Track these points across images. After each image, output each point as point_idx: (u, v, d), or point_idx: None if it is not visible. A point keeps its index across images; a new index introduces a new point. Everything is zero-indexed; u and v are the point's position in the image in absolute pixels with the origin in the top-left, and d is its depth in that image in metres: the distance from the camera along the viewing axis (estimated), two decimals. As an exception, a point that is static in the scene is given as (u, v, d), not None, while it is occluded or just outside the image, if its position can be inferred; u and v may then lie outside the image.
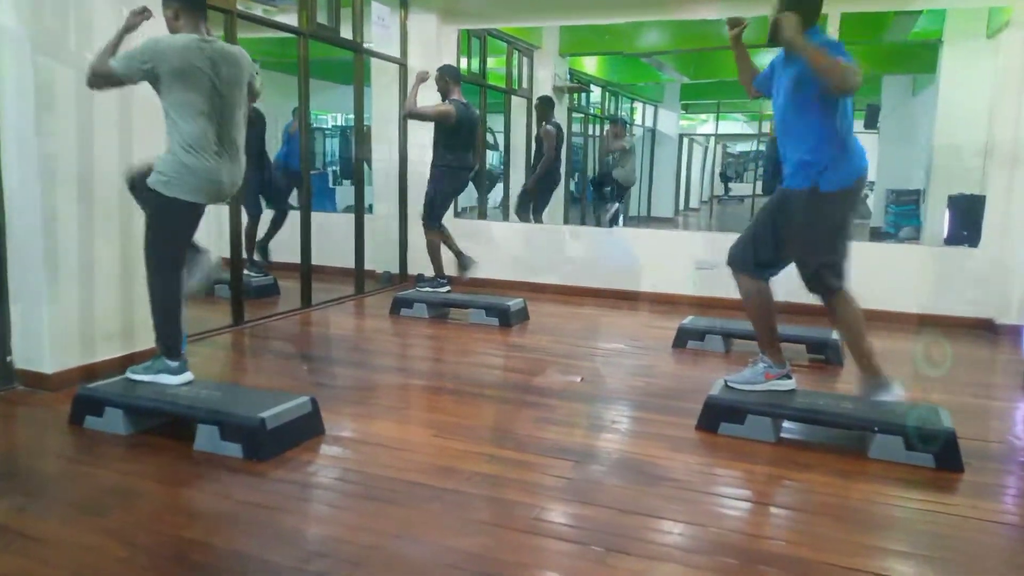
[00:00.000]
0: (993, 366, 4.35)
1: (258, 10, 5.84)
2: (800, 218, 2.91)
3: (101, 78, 2.90)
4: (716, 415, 3.04)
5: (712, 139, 15.82)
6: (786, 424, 3.03)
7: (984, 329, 5.02)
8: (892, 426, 2.78)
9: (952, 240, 5.81)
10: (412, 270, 6.46)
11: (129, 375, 3.08)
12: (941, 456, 2.69)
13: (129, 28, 3.00)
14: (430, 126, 5.29)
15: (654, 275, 5.89)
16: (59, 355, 3.36)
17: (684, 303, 5.60)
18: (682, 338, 4.48)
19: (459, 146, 5.24)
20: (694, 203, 16.86)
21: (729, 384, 3.16)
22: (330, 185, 12.19)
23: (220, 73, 2.96)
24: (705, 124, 16.33)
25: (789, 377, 3.15)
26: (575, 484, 2.54)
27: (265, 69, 7.39)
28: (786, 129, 2.93)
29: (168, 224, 2.99)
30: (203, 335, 4.36)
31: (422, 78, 5.15)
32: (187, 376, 3.07)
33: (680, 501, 2.44)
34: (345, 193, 10.78)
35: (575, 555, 2.06)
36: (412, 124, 6.10)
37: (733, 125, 16.26)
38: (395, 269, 6.58)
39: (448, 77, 5.28)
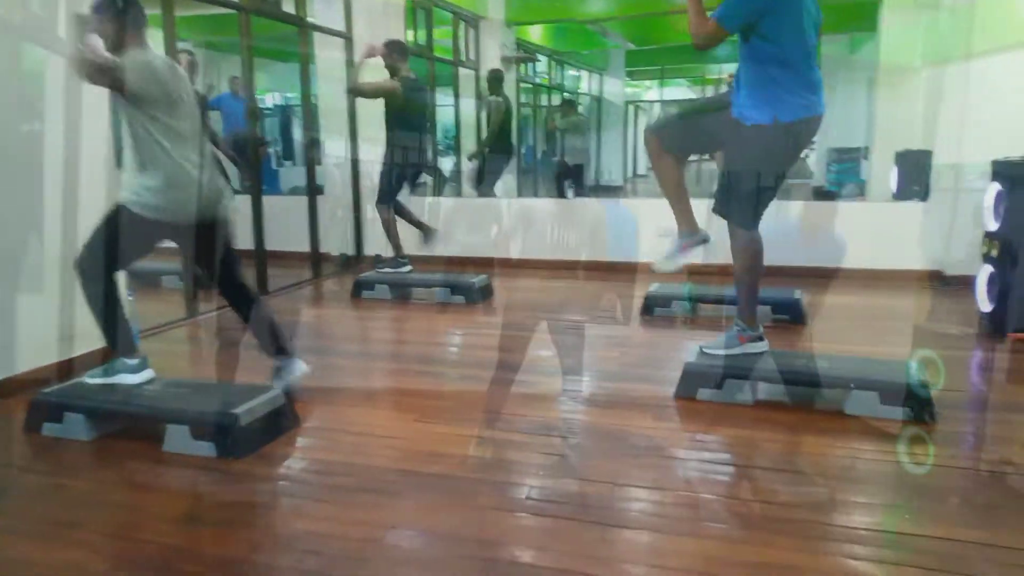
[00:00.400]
0: (948, 317, 4.49)
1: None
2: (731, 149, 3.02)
3: (106, 77, 2.64)
4: (694, 382, 3.05)
5: (657, 105, 15.90)
6: (764, 386, 3.07)
7: (937, 280, 5.18)
8: (867, 382, 2.84)
9: (901, 195, 5.95)
10: (368, 251, 6.32)
11: (87, 379, 2.93)
12: (915, 409, 2.76)
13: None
14: (380, 103, 5.14)
15: (616, 245, 5.89)
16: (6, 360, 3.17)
17: (647, 271, 5.61)
18: (649, 306, 4.50)
19: (408, 124, 5.12)
20: (641, 170, 16.97)
21: (705, 351, 3.18)
22: (273, 167, 11.83)
23: (179, 89, 2.78)
24: (650, 91, 16.38)
25: (762, 339, 3.18)
26: (566, 461, 2.52)
27: (197, 49, 7.09)
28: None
29: (134, 242, 2.81)
30: (158, 329, 4.19)
31: (369, 53, 4.99)
32: (148, 374, 2.93)
33: (670, 470, 2.44)
34: (289, 175, 10.48)
35: (576, 533, 2.04)
36: (362, 101, 5.92)
37: (677, 91, 16.35)
38: (351, 251, 6.43)
39: (395, 53, 5.12)
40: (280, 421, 2.78)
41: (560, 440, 2.67)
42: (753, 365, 3.05)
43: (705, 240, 3.19)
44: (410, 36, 6.69)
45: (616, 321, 4.51)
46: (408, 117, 5.09)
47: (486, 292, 5.05)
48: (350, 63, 6.02)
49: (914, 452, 2.52)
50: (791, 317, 4.27)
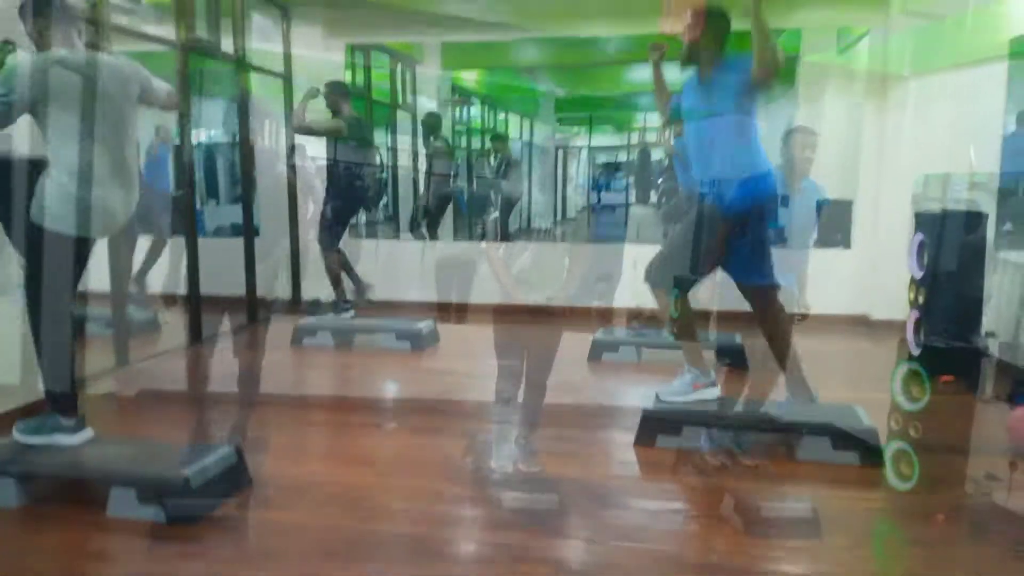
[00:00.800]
0: (878, 359, 4.71)
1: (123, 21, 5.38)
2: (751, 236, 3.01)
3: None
4: (652, 429, 3.08)
5: (584, 150, 16.33)
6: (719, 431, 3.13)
7: (862, 324, 5.44)
8: (819, 427, 2.94)
9: (823, 242, 6.26)
10: (306, 294, 6.16)
11: (17, 436, 2.71)
12: (865, 453, 2.87)
13: None
14: (322, 142, 5.10)
15: (557, 289, 5.94)
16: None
17: (590, 315, 5.68)
18: (597, 350, 4.54)
19: (353, 164, 5.08)
20: (571, 213, 17.29)
21: (661, 398, 3.22)
22: (197, 207, 11.44)
23: (102, 89, 2.66)
24: (578, 136, 16.80)
25: (714, 385, 3.26)
26: (537, 515, 2.48)
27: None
28: (710, 146, 3.02)
29: (54, 261, 2.66)
30: (85, 380, 3.93)
31: (311, 95, 4.95)
32: (86, 434, 2.74)
33: (638, 522, 2.44)
34: (214, 215, 10.17)
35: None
36: (300, 140, 5.84)
37: (604, 137, 16.85)
38: (287, 294, 6.25)
39: (336, 93, 5.09)
40: (231, 481, 2.64)
41: (526, 493, 2.64)
42: (709, 411, 3.11)
43: (713, 385, 3.23)
44: (348, 77, 6.67)
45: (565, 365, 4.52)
46: (352, 157, 5.05)
47: (432, 337, 4.99)
48: (288, 102, 5.95)
49: (862, 496, 2.62)
50: (732, 362, 4.39)
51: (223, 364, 4.68)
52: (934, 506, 2.54)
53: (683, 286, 3.13)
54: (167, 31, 4.92)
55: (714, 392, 3.23)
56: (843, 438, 2.88)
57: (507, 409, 3.06)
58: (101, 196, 2.64)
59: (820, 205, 6.27)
